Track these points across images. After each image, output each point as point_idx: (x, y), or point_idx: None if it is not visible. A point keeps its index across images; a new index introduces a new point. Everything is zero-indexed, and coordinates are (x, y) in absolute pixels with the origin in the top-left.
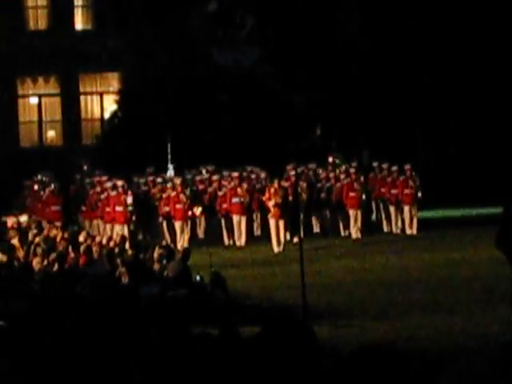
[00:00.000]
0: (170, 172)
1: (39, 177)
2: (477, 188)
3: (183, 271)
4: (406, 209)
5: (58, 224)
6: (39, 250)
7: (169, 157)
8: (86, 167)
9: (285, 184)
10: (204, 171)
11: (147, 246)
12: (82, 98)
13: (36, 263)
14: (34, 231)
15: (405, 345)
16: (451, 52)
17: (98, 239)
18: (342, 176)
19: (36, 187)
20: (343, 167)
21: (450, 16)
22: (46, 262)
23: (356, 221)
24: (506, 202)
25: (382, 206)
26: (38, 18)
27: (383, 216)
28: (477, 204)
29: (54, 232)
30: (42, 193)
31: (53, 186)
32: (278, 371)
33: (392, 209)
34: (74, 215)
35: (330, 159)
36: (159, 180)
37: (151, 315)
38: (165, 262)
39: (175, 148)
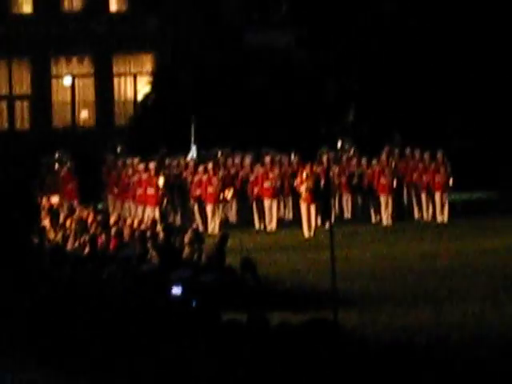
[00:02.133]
0: (193, 153)
1: (57, 155)
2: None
3: (217, 256)
4: (437, 195)
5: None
6: (71, 233)
7: (192, 138)
8: (119, 149)
9: (317, 169)
10: (220, 153)
11: (178, 230)
12: (115, 79)
13: (68, 245)
14: (66, 213)
15: (433, 332)
16: (486, 38)
17: (129, 222)
18: (373, 161)
19: (56, 166)
20: (352, 151)
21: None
22: (77, 244)
23: (387, 207)
24: None
25: (413, 192)
26: None
27: (414, 202)
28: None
29: (85, 214)
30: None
31: (69, 164)
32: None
33: (423, 195)
34: (102, 195)
35: (339, 144)
36: (191, 163)
37: (181, 301)
38: (196, 245)
39: (201, 130)
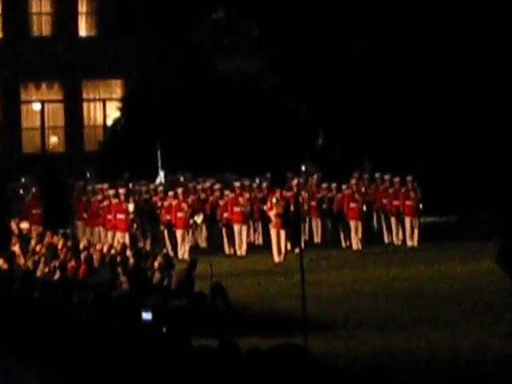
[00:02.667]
0: (161, 178)
1: (22, 180)
2: (477, 196)
3: (186, 281)
4: (407, 220)
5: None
6: (41, 258)
7: (159, 163)
8: (88, 174)
9: (286, 194)
10: (182, 178)
11: (148, 255)
12: (84, 104)
13: (38, 271)
14: (36, 238)
15: (403, 357)
16: (452, 64)
17: (98, 247)
18: (343, 186)
19: (21, 191)
20: (315, 176)
21: (452, 32)
22: (47, 270)
23: (357, 232)
24: (506, 221)
25: (383, 216)
26: (41, 24)
27: (384, 227)
28: (478, 212)
29: (55, 239)
30: (25, 196)
31: (34, 189)
32: None
33: (393, 220)
34: (70, 221)
35: (303, 168)
36: (160, 188)
37: (152, 326)
38: (166, 271)
39: (169, 155)
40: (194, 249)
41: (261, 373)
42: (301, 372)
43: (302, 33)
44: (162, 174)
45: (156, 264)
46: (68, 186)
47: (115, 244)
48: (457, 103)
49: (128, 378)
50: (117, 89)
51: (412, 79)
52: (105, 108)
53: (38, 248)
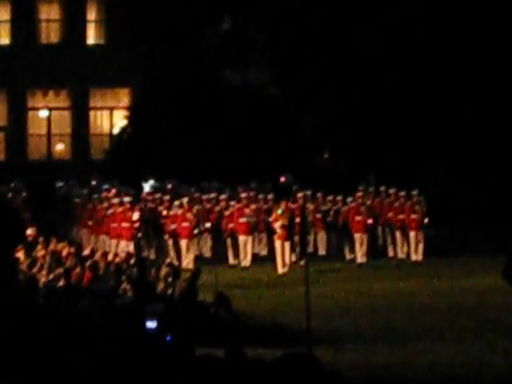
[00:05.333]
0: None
1: (12, 185)
2: (486, 212)
3: (189, 291)
4: (412, 234)
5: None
6: (45, 264)
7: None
8: (94, 182)
9: (292, 206)
10: (169, 185)
11: (152, 264)
12: (91, 112)
13: (41, 277)
14: (41, 245)
15: (406, 371)
16: (461, 74)
17: (103, 255)
18: (348, 199)
19: (9, 195)
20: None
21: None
22: (51, 277)
23: (361, 245)
24: None
25: (388, 230)
26: (50, 31)
27: (389, 241)
28: (485, 228)
29: (59, 246)
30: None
31: (24, 194)
32: None
33: (398, 233)
34: (67, 227)
35: (283, 179)
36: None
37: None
38: (170, 280)
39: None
40: (199, 259)
41: (268, 381)
42: (310, 379)
43: (310, 44)
44: (151, 181)
45: (162, 273)
46: (55, 190)
47: (119, 252)
48: (461, 119)
49: None
50: (124, 97)
51: (418, 92)
52: (112, 116)
53: (41, 254)
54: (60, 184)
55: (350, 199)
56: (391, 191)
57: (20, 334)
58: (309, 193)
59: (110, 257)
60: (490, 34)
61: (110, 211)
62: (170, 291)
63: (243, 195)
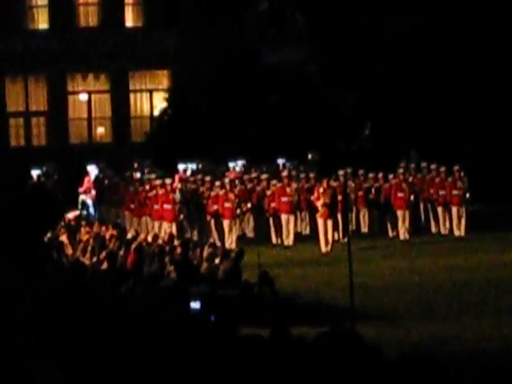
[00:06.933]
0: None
1: (44, 168)
2: None
3: (234, 271)
4: (454, 210)
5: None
6: (89, 248)
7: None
8: (136, 165)
9: (333, 184)
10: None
11: (196, 245)
12: (131, 95)
13: (85, 260)
14: (85, 229)
15: (452, 346)
16: (499, 54)
17: (146, 237)
18: (390, 176)
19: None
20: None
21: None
22: (95, 260)
23: (404, 221)
24: None
25: (430, 206)
26: (89, 15)
27: (431, 217)
28: None
29: (103, 229)
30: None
31: (56, 176)
32: (326, 376)
33: (440, 210)
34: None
35: (281, 161)
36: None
37: (200, 315)
38: (217, 261)
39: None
40: (241, 239)
41: (309, 356)
42: (350, 354)
43: (350, 20)
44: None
45: (205, 254)
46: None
47: (162, 234)
48: (501, 91)
49: (178, 368)
50: (163, 79)
51: (458, 68)
52: (151, 98)
53: (85, 238)
54: (91, 167)
55: (391, 176)
56: (432, 167)
57: (64, 322)
58: (349, 170)
59: (152, 239)
60: None
61: (152, 193)
62: (213, 272)
63: (284, 174)
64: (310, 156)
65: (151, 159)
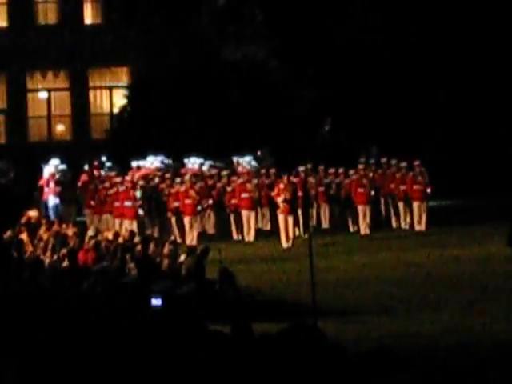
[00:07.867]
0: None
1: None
2: (486, 180)
3: (197, 268)
4: (415, 205)
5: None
6: (49, 246)
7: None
8: (96, 162)
9: (294, 179)
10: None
11: (156, 242)
12: (91, 92)
13: (45, 258)
14: (44, 227)
15: (411, 341)
16: (458, 47)
17: (106, 234)
18: (350, 172)
19: None
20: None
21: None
22: (55, 258)
23: (365, 216)
24: None
25: (390, 201)
26: (47, 12)
27: (392, 212)
28: (486, 195)
29: (63, 227)
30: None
31: (12, 174)
32: (288, 371)
33: (401, 205)
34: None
35: (259, 153)
36: (167, 175)
37: (162, 312)
38: (182, 258)
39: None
40: (202, 235)
41: (274, 354)
42: (313, 349)
43: (308, 17)
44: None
45: (165, 250)
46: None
47: (123, 231)
48: (464, 85)
49: (139, 365)
50: (123, 76)
51: (418, 63)
52: (111, 96)
53: (45, 236)
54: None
55: (351, 172)
56: (393, 162)
57: (23, 317)
58: (310, 166)
59: (112, 236)
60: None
61: (112, 191)
62: (176, 269)
63: (244, 170)
64: (259, 152)
65: (110, 156)
